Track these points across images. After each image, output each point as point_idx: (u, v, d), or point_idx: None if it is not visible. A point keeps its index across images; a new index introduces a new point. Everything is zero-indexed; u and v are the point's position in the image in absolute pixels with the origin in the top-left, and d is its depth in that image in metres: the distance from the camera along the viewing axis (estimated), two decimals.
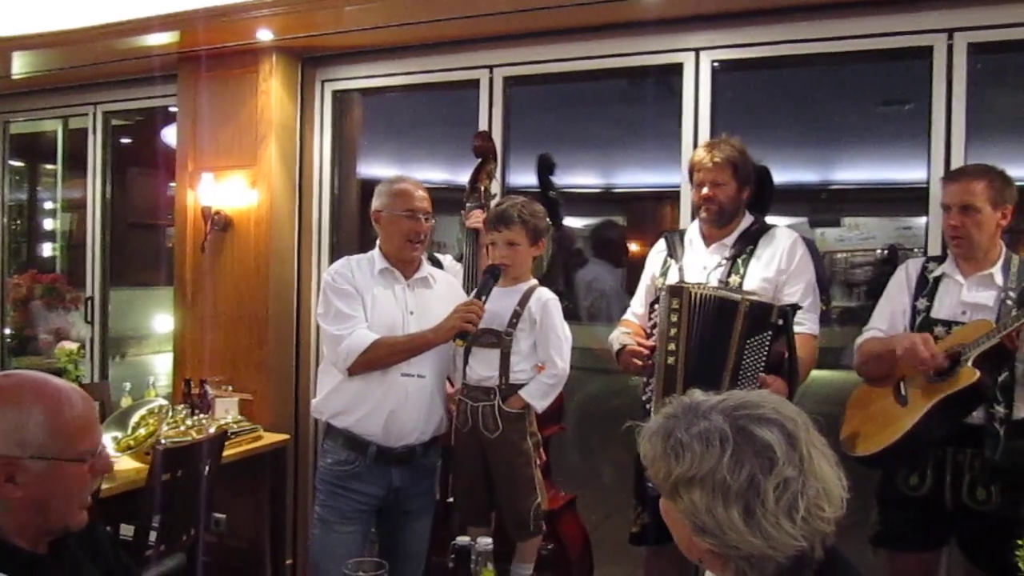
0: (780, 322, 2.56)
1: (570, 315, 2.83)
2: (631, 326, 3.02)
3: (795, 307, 2.63)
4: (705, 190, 2.81)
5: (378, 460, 2.73)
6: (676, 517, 1.27)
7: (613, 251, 5.58)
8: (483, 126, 3.91)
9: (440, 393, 2.84)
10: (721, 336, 2.59)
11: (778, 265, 2.78)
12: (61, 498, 1.48)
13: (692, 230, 2.95)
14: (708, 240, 2.89)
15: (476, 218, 3.14)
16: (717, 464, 1.20)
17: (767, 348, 2.56)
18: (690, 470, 1.22)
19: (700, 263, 2.87)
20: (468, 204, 3.22)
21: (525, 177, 4.18)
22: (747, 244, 2.84)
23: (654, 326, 2.78)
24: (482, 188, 3.26)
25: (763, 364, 2.56)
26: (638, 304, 3.06)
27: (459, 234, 3.38)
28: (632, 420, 1.39)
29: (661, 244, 3.03)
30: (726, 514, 1.19)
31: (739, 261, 2.81)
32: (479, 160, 3.30)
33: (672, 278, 2.87)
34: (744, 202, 2.88)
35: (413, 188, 2.80)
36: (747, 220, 2.90)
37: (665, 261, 2.96)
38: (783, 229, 2.91)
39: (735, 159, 2.81)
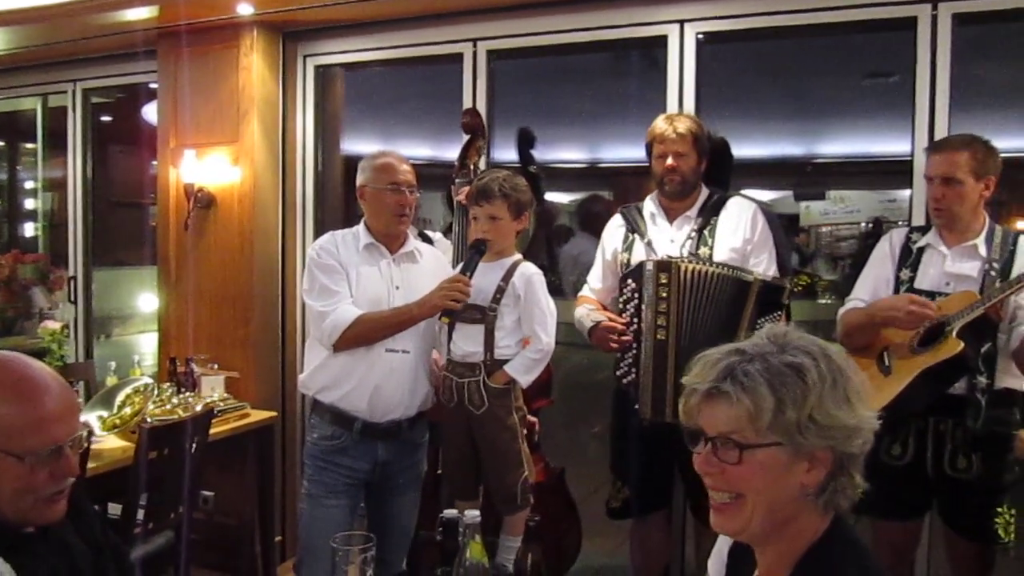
0: (786, 300, 2.60)
1: (555, 290, 2.83)
2: (591, 302, 3.03)
3: (790, 281, 2.68)
4: (669, 161, 2.85)
5: (364, 435, 2.74)
6: (778, 458, 1.21)
7: (599, 225, 5.57)
8: (467, 100, 3.88)
9: (425, 368, 2.83)
10: (730, 314, 2.64)
11: (744, 235, 2.83)
12: (5, 490, 1.43)
13: (650, 204, 2.97)
14: (670, 214, 2.93)
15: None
16: (833, 367, 1.23)
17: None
18: (821, 387, 1.21)
19: (667, 237, 2.90)
20: (458, 181, 3.21)
21: (510, 152, 4.16)
22: (710, 216, 2.88)
23: (627, 301, 2.80)
24: (471, 165, 3.25)
25: None
26: (596, 279, 3.08)
27: (444, 210, 3.36)
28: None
29: (618, 219, 3.04)
30: (855, 405, 1.22)
31: (705, 233, 2.85)
32: (468, 137, 3.29)
33: (639, 253, 2.89)
34: (701, 174, 2.92)
35: (397, 162, 2.78)
36: (704, 192, 2.94)
37: (627, 236, 2.97)
38: (741, 199, 2.95)
39: (695, 131, 2.87)
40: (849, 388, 1.23)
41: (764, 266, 2.80)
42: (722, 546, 1.47)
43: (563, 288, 4.76)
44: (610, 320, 2.85)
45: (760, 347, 1.26)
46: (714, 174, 2.99)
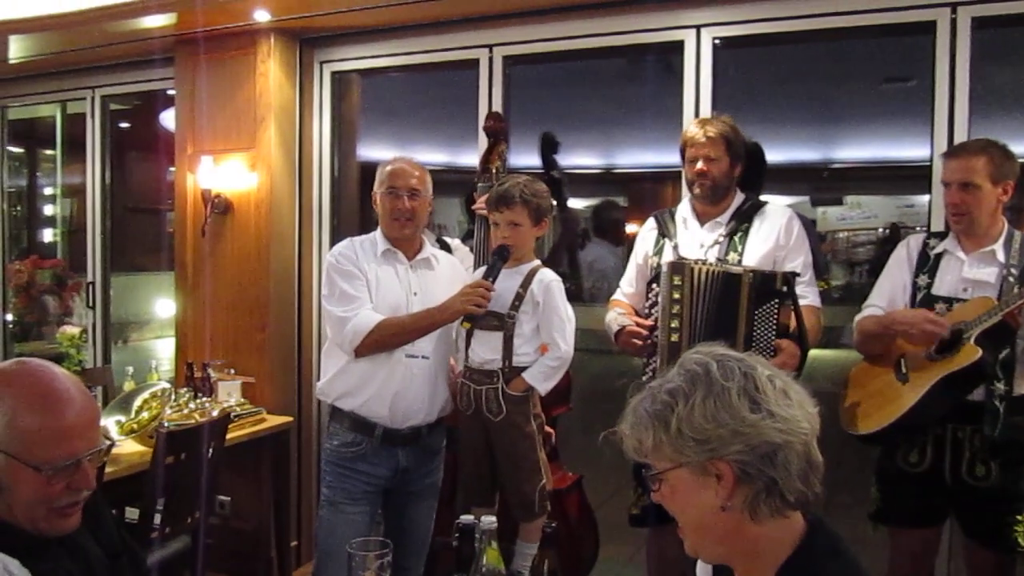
0: (784, 288, 2.56)
1: (575, 296, 2.82)
2: (622, 306, 3.01)
3: (794, 274, 2.63)
4: (699, 165, 2.80)
5: (385, 441, 2.74)
6: (683, 479, 1.27)
7: (614, 231, 5.57)
8: (483, 106, 3.89)
9: (444, 374, 2.84)
10: (728, 310, 2.59)
11: (776, 240, 2.79)
12: (21, 499, 1.44)
13: (683, 208, 2.94)
14: (702, 218, 2.88)
15: None
16: (708, 381, 1.26)
17: (776, 316, 2.57)
18: (687, 403, 1.25)
19: (696, 241, 2.86)
20: (479, 186, 3.18)
21: (525, 158, 4.16)
22: (742, 221, 2.83)
23: (652, 305, 2.78)
24: (493, 169, 3.22)
25: (774, 332, 2.57)
26: (627, 284, 3.06)
27: (460, 215, 3.35)
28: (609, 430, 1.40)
29: (651, 223, 3.02)
30: (737, 412, 1.23)
31: (736, 238, 2.81)
32: (490, 141, 3.27)
33: (667, 256, 2.85)
34: (736, 179, 2.88)
35: (401, 167, 2.79)
36: (739, 197, 2.89)
37: (658, 240, 2.94)
38: (777, 205, 2.91)
39: (727, 134, 2.81)
40: (729, 396, 1.24)
41: (798, 270, 2.76)
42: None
43: (582, 295, 4.76)
44: (635, 323, 2.83)
45: (660, 381, 1.33)
46: (747, 179, 2.95)
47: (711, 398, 1.24)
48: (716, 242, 2.82)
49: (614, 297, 3.10)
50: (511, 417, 2.65)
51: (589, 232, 5.69)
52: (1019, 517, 2.53)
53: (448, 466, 3.00)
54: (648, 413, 1.29)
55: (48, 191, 6.56)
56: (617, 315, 2.94)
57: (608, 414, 1.46)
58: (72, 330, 4.61)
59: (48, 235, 6.51)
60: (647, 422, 1.28)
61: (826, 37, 3.53)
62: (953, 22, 3.13)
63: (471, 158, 3.92)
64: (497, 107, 3.85)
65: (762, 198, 2.95)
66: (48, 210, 6.56)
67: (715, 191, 2.83)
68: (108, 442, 1.64)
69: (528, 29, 3.82)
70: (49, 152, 6.18)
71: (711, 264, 2.71)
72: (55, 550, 1.52)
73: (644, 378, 2.83)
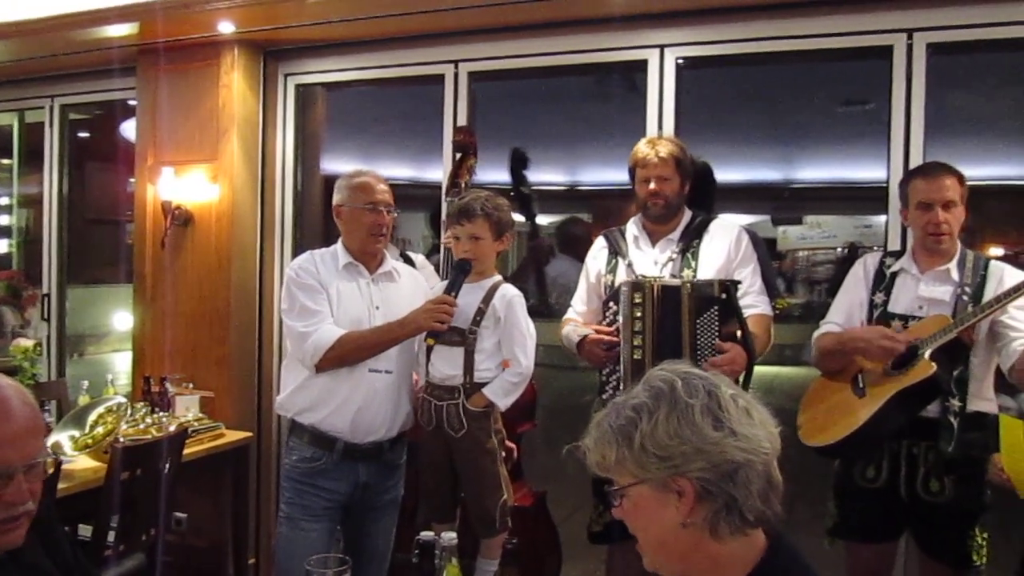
0: (723, 296, 2.61)
1: (540, 312, 2.83)
2: (576, 323, 3.03)
3: (733, 282, 2.67)
4: (652, 185, 2.85)
5: (345, 456, 2.71)
6: (645, 495, 1.28)
7: (579, 247, 5.60)
8: (448, 122, 3.90)
9: (406, 388, 2.82)
10: (676, 323, 2.63)
11: (728, 254, 2.85)
12: None
13: (633, 227, 2.98)
14: (653, 236, 2.93)
15: None
16: (672, 398, 1.27)
17: (717, 323, 2.61)
18: (650, 419, 1.26)
19: (650, 259, 2.90)
20: (448, 199, 3.17)
21: (490, 174, 4.18)
22: (693, 238, 2.89)
23: (611, 323, 2.80)
24: (463, 183, 3.22)
25: (716, 338, 2.62)
26: (580, 302, 3.08)
27: (425, 230, 3.34)
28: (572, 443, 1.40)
29: (601, 242, 3.05)
30: (700, 429, 1.24)
31: (688, 255, 2.86)
32: (460, 155, 3.27)
33: (621, 275, 2.89)
34: (685, 196, 2.93)
35: (374, 181, 2.78)
36: (687, 215, 2.95)
37: (609, 259, 2.98)
38: (726, 221, 2.98)
39: (677, 154, 2.88)
40: (692, 414, 1.25)
41: (748, 283, 2.81)
42: None
43: (548, 310, 4.77)
44: (597, 331, 2.84)
45: (624, 397, 1.34)
46: (697, 198, 3.01)
47: (675, 415, 1.25)
48: (670, 259, 2.86)
49: (566, 316, 3.11)
50: (472, 433, 2.64)
51: (554, 248, 5.73)
52: (972, 533, 2.58)
53: (409, 482, 2.98)
54: (612, 428, 1.29)
55: (4, 201, 6.44)
56: (575, 327, 2.96)
57: (572, 430, 1.47)
58: (26, 343, 4.51)
59: (3, 246, 6.38)
60: (611, 437, 1.29)
61: (787, 60, 3.60)
62: (909, 47, 3.21)
63: (436, 173, 3.92)
64: (462, 122, 3.86)
65: (725, 216, 3.00)
66: (3, 220, 6.43)
67: (668, 210, 2.89)
68: (51, 457, 1.56)
69: (494, 46, 3.84)
70: (6, 161, 6.07)
71: (664, 280, 2.74)
72: (6, 568, 1.48)
73: (604, 396, 2.84)
